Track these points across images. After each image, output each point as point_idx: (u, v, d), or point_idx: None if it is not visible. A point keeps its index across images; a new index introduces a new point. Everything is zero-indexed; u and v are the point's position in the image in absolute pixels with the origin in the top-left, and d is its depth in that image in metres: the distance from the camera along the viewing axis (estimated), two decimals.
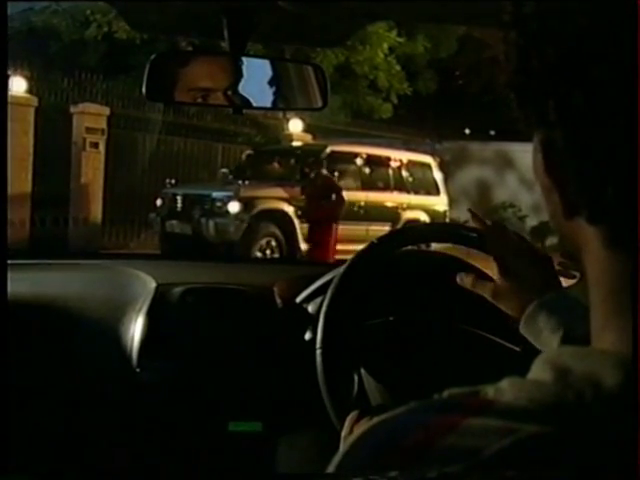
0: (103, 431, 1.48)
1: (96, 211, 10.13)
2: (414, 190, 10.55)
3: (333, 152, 9.76)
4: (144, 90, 1.31)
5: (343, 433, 1.01)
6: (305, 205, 8.89)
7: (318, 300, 1.42)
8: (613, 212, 0.41)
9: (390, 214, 9.99)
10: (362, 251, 1.26)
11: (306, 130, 11.88)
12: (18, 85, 9.51)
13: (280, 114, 11.56)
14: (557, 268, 1.44)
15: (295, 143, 11.34)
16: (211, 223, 8.96)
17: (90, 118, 9.95)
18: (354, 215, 9.57)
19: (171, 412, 1.47)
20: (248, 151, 11.07)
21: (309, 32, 1.50)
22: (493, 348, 1.22)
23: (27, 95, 9.63)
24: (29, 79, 9.77)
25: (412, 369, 1.21)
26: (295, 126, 11.77)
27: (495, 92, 11.93)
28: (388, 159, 10.47)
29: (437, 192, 10.80)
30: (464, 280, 1.06)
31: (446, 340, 1.25)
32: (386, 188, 10.32)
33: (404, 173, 10.53)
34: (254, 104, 1.41)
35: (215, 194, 9.17)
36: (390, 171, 10.41)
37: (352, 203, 9.66)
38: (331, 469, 0.43)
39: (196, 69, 1.37)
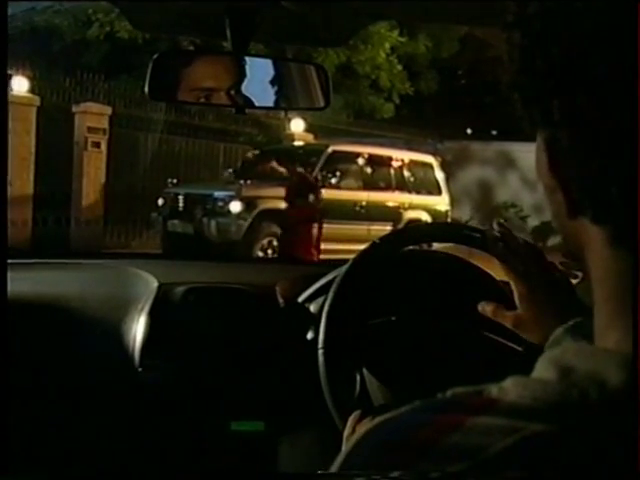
0: (105, 430, 1.48)
1: (98, 210, 10.13)
2: (416, 190, 10.54)
3: (335, 152, 9.76)
4: (146, 89, 1.31)
5: (345, 433, 1.01)
6: (285, 205, 8.76)
7: (320, 300, 1.42)
8: (617, 211, 0.41)
9: (392, 214, 9.98)
10: (364, 251, 1.26)
11: (308, 130, 11.88)
12: (20, 85, 9.52)
13: (282, 114, 11.56)
14: (560, 268, 1.44)
15: (297, 143, 11.34)
16: (213, 223, 8.96)
17: (92, 118, 9.96)
18: (356, 215, 9.57)
19: (173, 411, 1.47)
20: (250, 151, 11.06)
21: (311, 32, 1.50)
22: (496, 348, 1.22)
23: (29, 95, 9.64)
24: (31, 79, 9.78)
25: (414, 369, 1.21)
26: (297, 126, 11.77)
27: (497, 92, 11.93)
28: (390, 159, 10.46)
29: (439, 192, 10.80)
30: (485, 309, 1.04)
31: (448, 340, 1.25)
32: (388, 188, 10.31)
33: (406, 173, 10.52)
34: (256, 104, 1.41)
35: (217, 194, 9.17)
36: (392, 171, 10.41)
37: (354, 203, 9.66)
38: (335, 468, 0.43)
39: (198, 68, 1.37)
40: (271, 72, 1.37)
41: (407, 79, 13.22)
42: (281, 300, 1.56)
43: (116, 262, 1.81)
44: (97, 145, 10.00)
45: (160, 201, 9.83)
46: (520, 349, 1.18)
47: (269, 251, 8.94)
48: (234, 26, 1.28)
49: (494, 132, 14.85)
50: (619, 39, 0.40)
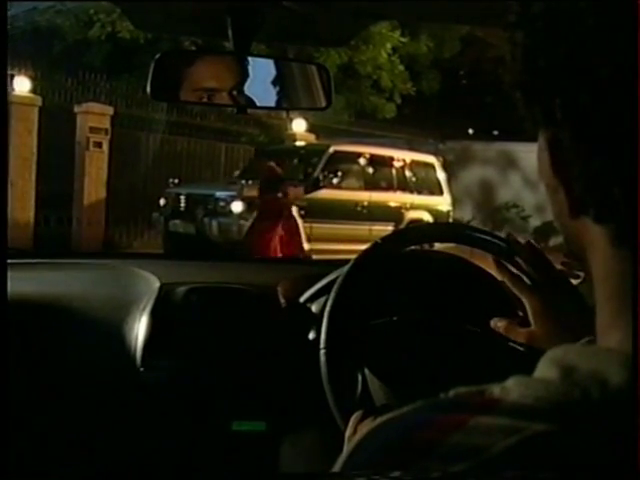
0: (106, 430, 1.48)
1: (100, 210, 10.13)
2: (417, 190, 10.54)
3: (336, 152, 9.75)
4: (148, 89, 1.31)
5: (347, 433, 1.01)
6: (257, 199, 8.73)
7: (322, 300, 1.42)
8: (620, 211, 0.41)
9: (393, 214, 9.97)
10: (366, 251, 1.26)
11: (309, 130, 11.87)
12: (22, 85, 9.51)
13: (284, 114, 11.56)
14: (561, 268, 1.44)
15: (298, 143, 11.33)
16: (214, 223, 8.96)
17: (94, 118, 9.96)
18: (357, 215, 9.57)
19: (175, 411, 1.47)
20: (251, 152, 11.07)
21: (313, 32, 1.50)
22: (498, 348, 1.22)
23: (31, 95, 9.64)
24: (33, 79, 9.78)
25: (416, 369, 1.21)
26: (298, 126, 11.77)
27: (499, 92, 11.93)
28: (391, 159, 10.46)
29: (440, 192, 10.79)
30: (498, 325, 1.02)
31: (450, 340, 1.25)
32: (389, 188, 10.31)
33: (407, 173, 10.52)
34: (258, 104, 1.41)
35: (218, 194, 9.17)
36: (393, 171, 10.40)
37: (355, 203, 9.66)
38: (337, 468, 0.43)
39: (200, 68, 1.37)
40: (273, 72, 1.37)
41: (409, 79, 13.20)
42: (283, 300, 1.56)
43: (118, 262, 1.81)
44: (99, 145, 10.00)
45: (162, 201, 9.83)
46: (522, 349, 1.18)
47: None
48: (236, 26, 1.28)
49: (496, 132, 14.84)
50: (621, 38, 0.40)
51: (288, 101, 1.47)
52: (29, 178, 9.43)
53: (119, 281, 1.65)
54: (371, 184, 10.07)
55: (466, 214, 12.90)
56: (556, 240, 11.66)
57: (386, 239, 1.28)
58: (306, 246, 9.15)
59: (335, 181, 9.50)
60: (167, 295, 1.54)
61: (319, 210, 9.16)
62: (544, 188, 0.49)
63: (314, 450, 1.42)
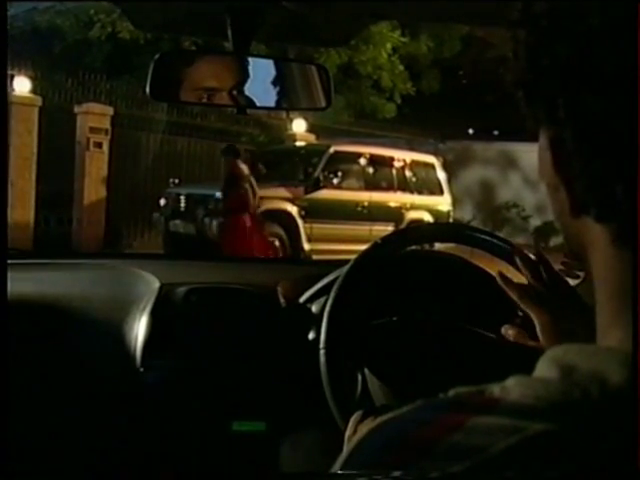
0: (106, 430, 1.48)
1: (100, 211, 10.13)
2: (417, 190, 10.53)
3: (336, 152, 9.75)
4: (148, 89, 1.31)
5: (347, 433, 1.01)
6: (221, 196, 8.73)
7: (322, 300, 1.42)
8: (621, 210, 0.41)
9: (394, 214, 9.97)
10: (366, 251, 1.26)
11: (309, 130, 11.87)
12: (22, 85, 9.51)
13: (283, 114, 11.55)
14: (560, 268, 1.44)
15: (298, 143, 11.33)
16: (215, 223, 8.95)
17: (94, 118, 9.96)
18: (357, 215, 9.56)
19: (175, 411, 1.47)
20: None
21: (312, 32, 1.50)
22: (498, 348, 1.22)
23: (31, 95, 9.64)
24: (33, 79, 9.78)
25: (416, 369, 1.21)
26: (298, 126, 11.76)
27: (499, 92, 11.92)
28: (391, 159, 10.45)
29: (441, 192, 10.78)
30: (508, 332, 1.02)
31: (450, 340, 1.25)
32: (389, 188, 10.30)
33: (407, 173, 10.51)
34: (258, 104, 1.41)
35: (219, 194, 9.16)
36: (393, 171, 10.39)
37: (355, 203, 9.66)
38: (337, 468, 0.43)
39: (200, 69, 1.37)
40: (272, 72, 1.37)
41: (409, 79, 13.20)
42: (283, 300, 1.56)
43: (118, 262, 1.81)
44: (99, 145, 10.00)
45: (162, 201, 9.82)
46: (521, 349, 1.17)
47: (271, 251, 8.94)
48: (235, 26, 1.28)
49: (496, 132, 14.84)
50: (625, 37, 0.40)
51: (288, 101, 1.47)
52: (29, 178, 9.43)
53: (119, 281, 1.65)
54: (371, 184, 10.06)
55: (466, 214, 12.90)
56: (556, 240, 11.66)
57: (386, 239, 1.28)
58: (306, 246, 9.15)
59: (335, 181, 9.50)
60: (167, 295, 1.54)
61: (319, 210, 9.16)
62: (545, 188, 0.49)
63: (314, 450, 1.42)
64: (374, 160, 10.20)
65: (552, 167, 0.46)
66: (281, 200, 9.11)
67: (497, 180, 14.09)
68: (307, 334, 1.38)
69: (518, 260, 1.03)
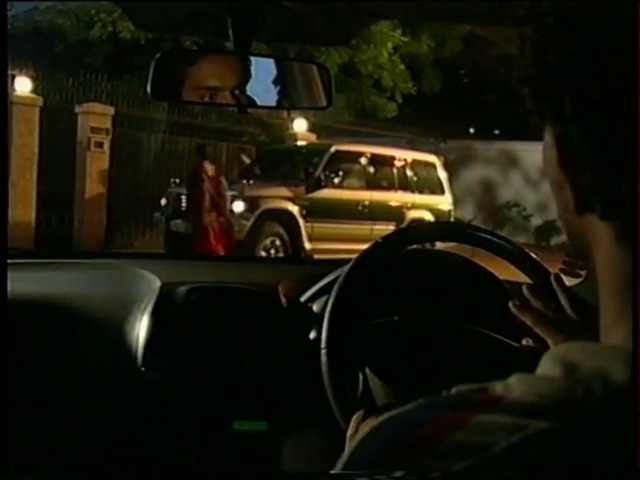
0: (107, 430, 1.48)
1: (101, 210, 10.14)
2: (419, 189, 10.53)
3: (337, 151, 9.75)
4: (149, 89, 1.31)
5: (348, 432, 1.01)
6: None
7: (323, 299, 1.42)
8: (626, 208, 0.41)
9: (395, 213, 9.97)
10: (367, 250, 1.26)
11: (310, 129, 11.87)
12: (23, 85, 9.51)
13: (284, 113, 11.55)
14: (562, 267, 1.44)
15: (299, 142, 11.33)
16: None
17: (95, 118, 9.96)
18: (358, 214, 9.56)
19: (176, 411, 1.47)
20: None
21: (313, 31, 1.50)
22: (499, 347, 1.22)
23: (32, 95, 9.64)
24: (34, 79, 9.78)
25: (417, 368, 1.21)
26: (299, 125, 11.76)
27: (500, 91, 11.92)
28: (392, 158, 10.45)
29: (442, 191, 10.78)
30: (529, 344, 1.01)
31: (451, 339, 1.25)
32: (390, 187, 10.30)
33: (409, 172, 10.51)
34: (259, 103, 1.40)
35: None
36: (394, 170, 10.39)
37: (356, 202, 9.66)
38: (339, 467, 0.43)
39: (201, 68, 1.37)
40: (273, 71, 1.37)
41: (410, 78, 13.19)
42: (284, 300, 1.56)
43: (119, 262, 1.81)
44: (100, 145, 10.00)
45: (163, 201, 9.82)
46: (523, 348, 1.17)
47: (272, 251, 8.94)
48: (236, 25, 1.28)
49: (497, 131, 14.84)
50: (632, 34, 0.39)
51: (289, 100, 1.47)
52: (30, 178, 9.43)
53: (120, 281, 1.65)
54: (372, 183, 10.06)
55: (467, 213, 12.89)
56: (557, 239, 11.66)
57: (387, 239, 1.28)
58: (307, 245, 9.15)
59: (336, 181, 9.50)
60: (168, 295, 1.54)
61: (320, 210, 9.16)
62: (549, 185, 0.48)
63: (315, 449, 1.42)
64: (375, 159, 10.20)
65: (557, 164, 0.46)
66: (282, 199, 9.11)
67: (498, 179, 14.10)
68: (308, 333, 1.38)
69: (532, 290, 1.00)
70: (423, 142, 12.97)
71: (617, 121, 0.40)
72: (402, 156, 10.58)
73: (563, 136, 0.44)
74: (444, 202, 10.76)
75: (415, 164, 10.62)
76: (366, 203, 9.81)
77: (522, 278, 1.30)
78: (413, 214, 10.23)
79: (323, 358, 1.16)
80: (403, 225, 9.01)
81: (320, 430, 1.35)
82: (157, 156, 10.94)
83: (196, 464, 1.46)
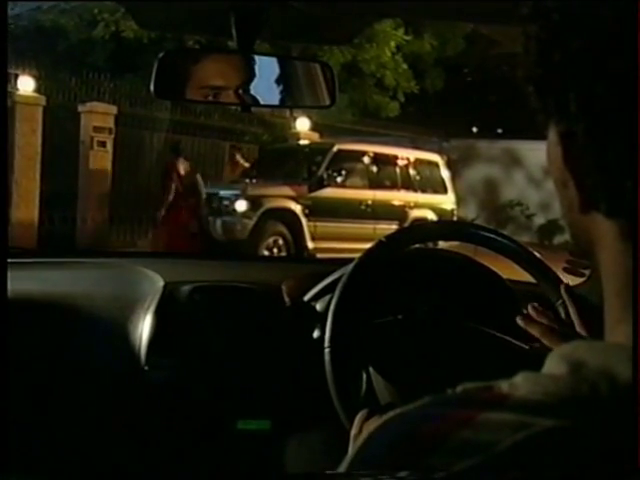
0: (110, 429, 1.48)
1: (104, 209, 10.15)
2: (421, 188, 10.52)
3: (340, 150, 9.75)
4: (152, 87, 1.30)
5: (352, 432, 1.01)
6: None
7: (326, 298, 1.42)
8: (632, 205, 0.41)
9: (397, 212, 9.96)
10: (370, 249, 1.25)
11: (313, 128, 11.87)
12: (26, 84, 9.53)
13: (287, 113, 11.55)
14: (565, 266, 1.44)
15: (302, 141, 11.33)
16: (218, 221, 8.96)
17: (98, 117, 9.98)
18: (361, 214, 9.56)
19: (179, 410, 1.47)
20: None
21: (316, 30, 1.50)
22: (502, 346, 1.22)
23: (35, 94, 9.66)
24: (37, 78, 9.80)
25: (421, 367, 1.21)
26: (302, 124, 11.76)
27: (503, 90, 11.91)
28: (395, 157, 10.44)
29: (444, 190, 10.78)
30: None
31: (455, 338, 1.25)
32: (393, 186, 10.30)
33: (411, 171, 10.51)
34: (262, 102, 1.40)
35: (222, 192, 9.17)
36: (397, 169, 10.39)
37: (359, 202, 9.66)
38: (343, 466, 0.43)
39: (204, 67, 1.37)
40: (276, 70, 1.37)
41: (412, 77, 13.19)
42: (287, 299, 1.56)
43: (122, 261, 1.81)
44: (103, 144, 10.01)
45: None
46: (526, 347, 1.17)
47: (275, 250, 8.95)
48: (239, 24, 1.28)
49: (500, 130, 14.83)
50: (636, 31, 0.39)
51: (292, 99, 1.47)
52: (33, 177, 9.45)
53: (123, 280, 1.65)
54: (375, 183, 10.06)
55: (470, 212, 12.89)
56: (560, 238, 11.64)
57: (390, 238, 1.27)
58: (310, 244, 9.15)
59: (339, 180, 9.50)
60: (171, 294, 1.54)
61: (323, 209, 9.16)
62: (552, 184, 0.48)
63: (319, 449, 1.42)
64: (378, 159, 10.20)
65: (562, 163, 0.45)
66: (285, 198, 9.12)
67: (501, 178, 14.08)
68: (312, 332, 1.38)
69: (537, 308, 1.00)
70: (426, 141, 12.96)
71: (622, 118, 0.40)
72: (405, 155, 10.57)
73: (567, 134, 0.44)
74: (447, 201, 10.76)
75: (418, 163, 10.62)
76: (369, 202, 9.81)
77: (525, 277, 1.30)
78: (416, 213, 10.22)
79: (327, 357, 1.16)
80: (406, 224, 9.00)
81: (324, 429, 1.35)
82: (160, 155, 10.95)
83: (200, 463, 1.46)
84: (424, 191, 10.54)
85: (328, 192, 9.35)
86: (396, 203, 10.20)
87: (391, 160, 10.39)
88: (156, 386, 1.46)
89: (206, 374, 1.48)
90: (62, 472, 1.46)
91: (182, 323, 1.50)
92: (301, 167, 9.85)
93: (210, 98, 1.40)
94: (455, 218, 10.46)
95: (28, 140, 9.32)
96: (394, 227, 8.04)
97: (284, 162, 10.08)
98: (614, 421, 0.38)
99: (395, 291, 1.37)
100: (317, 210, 9.14)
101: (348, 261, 1.29)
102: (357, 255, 1.26)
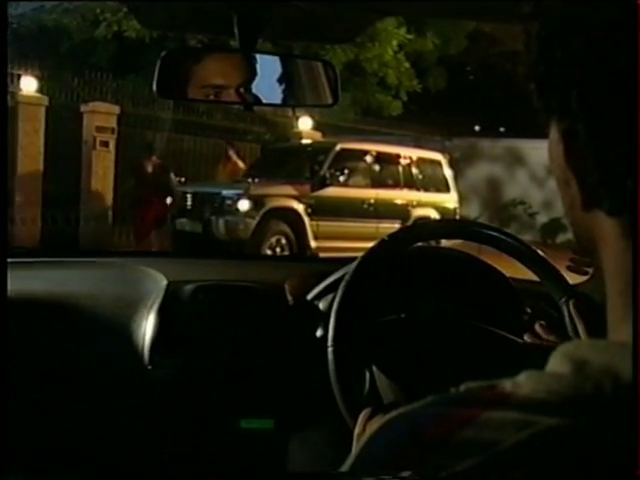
0: (114, 427, 1.48)
1: (107, 209, 10.16)
2: (424, 187, 10.51)
3: (343, 149, 9.74)
4: (155, 87, 1.30)
5: (356, 431, 1.01)
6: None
7: (329, 297, 1.42)
8: (634, 203, 0.41)
9: (400, 211, 9.96)
10: (373, 248, 1.25)
11: (316, 128, 11.86)
12: (29, 84, 9.54)
13: (289, 112, 11.55)
14: (569, 264, 1.43)
15: (305, 141, 11.33)
16: (221, 221, 8.96)
17: (100, 117, 9.99)
18: (364, 212, 9.56)
19: (182, 409, 1.47)
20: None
21: (318, 29, 1.50)
22: (505, 344, 1.21)
23: (38, 94, 9.67)
24: (40, 78, 9.81)
25: (424, 366, 1.20)
26: (305, 124, 11.76)
27: (505, 88, 11.90)
28: (398, 156, 10.44)
29: (447, 189, 10.77)
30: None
31: (458, 337, 1.25)
32: (396, 185, 10.29)
33: (414, 170, 10.50)
34: (264, 101, 1.40)
35: (225, 192, 9.17)
36: (400, 168, 10.38)
37: (362, 200, 9.65)
38: (347, 465, 0.43)
39: (206, 66, 1.37)
40: (279, 69, 1.37)
41: (415, 76, 13.18)
42: (290, 298, 1.56)
43: (125, 260, 1.81)
44: (105, 144, 10.02)
45: (168, 199, 9.84)
46: (530, 346, 1.17)
47: (277, 249, 8.95)
48: (242, 23, 1.28)
49: (502, 129, 14.81)
50: (638, 29, 0.39)
51: (294, 98, 1.46)
52: (36, 177, 9.46)
53: (126, 279, 1.65)
54: (378, 181, 10.06)
55: (473, 211, 12.88)
56: (563, 237, 11.63)
57: (393, 236, 1.27)
58: (313, 243, 9.15)
59: (342, 179, 9.50)
60: (174, 293, 1.54)
61: (326, 208, 9.16)
62: (555, 182, 0.48)
63: (322, 448, 1.42)
64: (380, 157, 10.20)
65: (564, 160, 0.45)
66: (288, 198, 9.11)
67: (504, 177, 14.07)
68: (315, 331, 1.38)
69: (544, 327, 1.00)
70: (428, 140, 12.95)
71: (624, 117, 0.40)
72: (407, 154, 10.56)
73: (570, 132, 0.44)
74: (450, 200, 10.75)
75: (420, 162, 10.61)
76: (371, 201, 9.81)
77: (529, 275, 1.29)
78: (419, 212, 10.21)
79: (330, 356, 1.16)
80: (409, 223, 9.00)
81: (327, 428, 1.35)
82: (162, 155, 10.96)
83: (203, 462, 1.46)
84: (427, 190, 10.53)
85: (331, 191, 9.35)
86: (399, 202, 10.19)
87: (394, 159, 10.38)
88: (159, 385, 1.46)
89: (209, 373, 1.48)
90: (63, 472, 1.46)
91: (185, 322, 1.50)
92: (304, 166, 9.85)
93: (212, 97, 1.40)
94: (458, 217, 10.44)
95: (31, 140, 9.34)
96: (397, 226, 8.04)
97: (286, 161, 10.08)
98: (617, 419, 0.38)
99: (398, 290, 1.37)
100: (320, 209, 9.14)
101: (351, 260, 1.29)
102: (360, 254, 1.26)
